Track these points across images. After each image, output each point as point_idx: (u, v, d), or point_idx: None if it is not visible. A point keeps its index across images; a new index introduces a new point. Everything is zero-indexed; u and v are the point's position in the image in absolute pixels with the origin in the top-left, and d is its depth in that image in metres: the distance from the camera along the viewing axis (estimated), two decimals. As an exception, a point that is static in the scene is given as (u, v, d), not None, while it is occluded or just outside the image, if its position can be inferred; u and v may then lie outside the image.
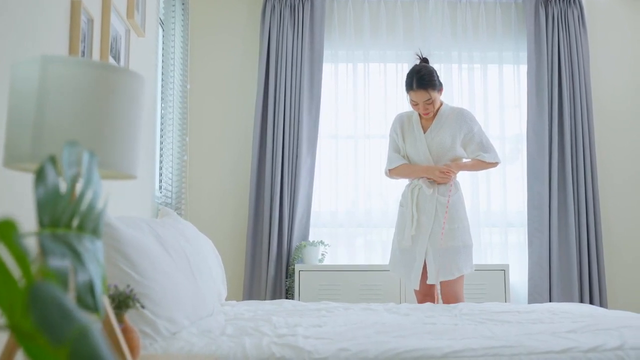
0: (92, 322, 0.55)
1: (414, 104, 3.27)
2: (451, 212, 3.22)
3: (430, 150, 3.29)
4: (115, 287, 1.49)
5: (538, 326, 2.24)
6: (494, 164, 3.34)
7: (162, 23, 3.90)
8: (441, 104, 3.35)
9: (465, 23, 4.50)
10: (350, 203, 4.41)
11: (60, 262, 0.72)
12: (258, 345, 1.85)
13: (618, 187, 4.47)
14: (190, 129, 4.33)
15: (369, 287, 4.02)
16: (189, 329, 2.02)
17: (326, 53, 4.41)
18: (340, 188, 4.40)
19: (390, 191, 4.30)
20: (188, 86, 4.30)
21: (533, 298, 4.20)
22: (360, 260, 4.36)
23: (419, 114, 3.34)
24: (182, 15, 4.23)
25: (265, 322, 2.28)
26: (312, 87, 4.33)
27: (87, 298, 0.77)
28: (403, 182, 3.46)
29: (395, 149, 3.39)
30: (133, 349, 1.43)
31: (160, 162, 3.82)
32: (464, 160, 3.36)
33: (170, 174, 3.92)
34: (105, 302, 1.18)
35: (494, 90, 4.51)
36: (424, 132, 3.32)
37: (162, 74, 3.86)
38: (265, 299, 4.05)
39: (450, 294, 3.20)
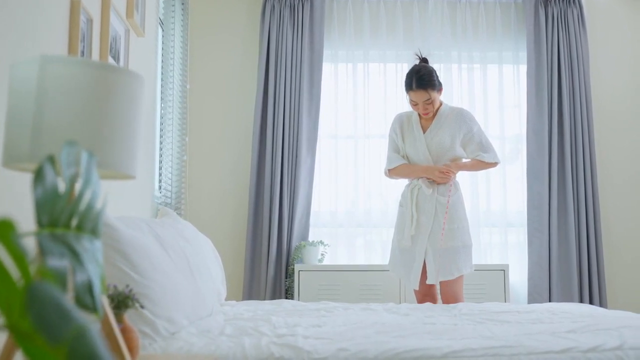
0: (90, 322, 0.55)
1: (414, 104, 3.27)
2: (451, 212, 3.22)
3: (430, 150, 3.29)
4: (115, 287, 1.49)
5: (538, 326, 2.24)
6: (494, 164, 3.35)
7: (161, 23, 3.90)
8: (441, 104, 3.35)
9: (465, 23, 4.50)
10: (350, 203, 4.41)
11: (58, 262, 0.72)
12: (257, 345, 1.85)
13: (618, 187, 4.47)
14: (189, 129, 4.33)
15: (369, 287, 4.02)
16: (188, 329, 2.02)
17: (326, 53, 4.41)
18: (340, 188, 4.40)
19: (390, 191, 4.30)
20: (188, 86, 4.30)
21: (533, 298, 4.20)
22: (360, 260, 4.35)
23: (419, 114, 3.34)
24: (182, 15, 4.23)
25: (265, 322, 2.28)
26: (312, 87, 4.33)
27: (85, 298, 0.77)
28: (403, 182, 3.46)
29: (394, 149, 3.39)
30: (132, 349, 1.43)
31: (160, 162, 3.82)
32: (464, 160, 3.36)
33: (170, 174, 3.92)
34: (105, 302, 1.18)
35: (494, 90, 4.51)
36: (424, 132, 3.32)
37: (162, 73, 3.86)
38: (264, 299, 4.05)
39: (450, 294, 3.20)
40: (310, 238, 4.28)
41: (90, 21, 2.35)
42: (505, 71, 4.54)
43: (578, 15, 4.45)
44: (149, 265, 1.91)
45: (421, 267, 3.22)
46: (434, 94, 3.24)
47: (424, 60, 3.37)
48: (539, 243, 4.25)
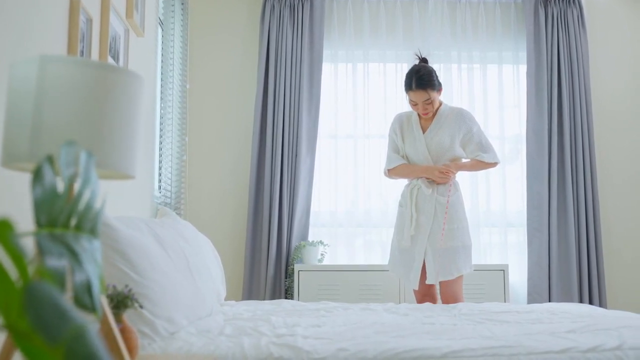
0: (88, 322, 0.55)
1: (413, 104, 3.27)
2: (450, 212, 3.23)
3: (430, 150, 3.29)
4: (114, 287, 1.49)
5: (537, 326, 2.24)
6: (493, 164, 3.35)
7: (161, 23, 3.90)
8: (440, 104, 3.35)
9: (464, 23, 4.50)
10: (350, 203, 4.41)
11: (57, 262, 0.72)
12: (257, 345, 1.85)
13: (617, 187, 4.47)
14: (189, 129, 4.33)
15: (368, 287, 4.02)
16: (188, 329, 2.02)
17: (326, 53, 4.41)
18: (340, 188, 4.40)
19: (389, 191, 4.30)
20: (187, 86, 4.30)
21: (532, 298, 4.20)
22: (360, 260, 4.35)
23: (418, 114, 3.34)
24: (182, 15, 4.23)
25: (264, 322, 2.28)
26: (312, 87, 4.33)
27: (84, 298, 0.77)
28: (402, 182, 3.46)
29: (394, 149, 3.39)
30: (131, 349, 1.43)
31: (160, 162, 3.82)
32: (463, 160, 3.36)
33: (170, 174, 3.92)
34: (104, 302, 1.18)
35: (494, 90, 4.51)
36: (423, 132, 3.32)
37: (162, 73, 3.86)
38: (264, 299, 4.05)
39: (450, 294, 3.20)
40: (310, 238, 4.28)
41: (89, 21, 2.35)
42: (505, 71, 4.54)
43: (578, 15, 4.45)
44: (148, 265, 1.91)
45: (421, 267, 3.23)
46: (433, 94, 3.24)
47: (423, 60, 3.37)
48: (538, 243, 4.25)
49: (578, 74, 4.38)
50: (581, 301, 4.17)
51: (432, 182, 3.27)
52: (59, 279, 0.68)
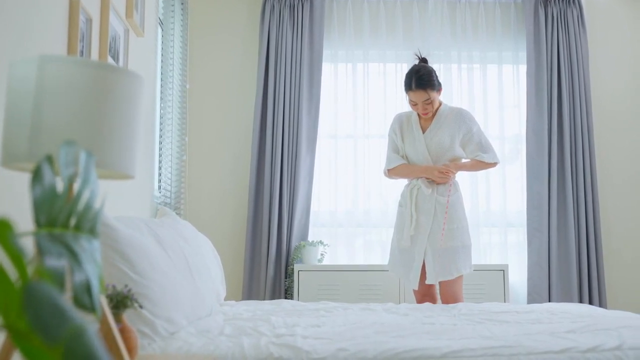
0: (87, 322, 0.55)
1: (413, 104, 3.27)
2: (450, 212, 3.23)
3: (429, 150, 3.29)
4: (113, 287, 1.49)
5: (537, 326, 2.24)
6: (493, 164, 3.35)
7: (161, 23, 3.90)
8: (440, 104, 3.35)
9: (464, 23, 4.50)
10: (350, 203, 4.41)
11: (56, 262, 0.72)
12: (256, 345, 1.85)
13: (617, 187, 4.47)
14: (189, 129, 4.33)
15: (368, 287, 4.02)
16: (188, 329, 2.02)
17: (326, 53, 4.41)
18: (340, 188, 4.40)
19: (389, 191, 4.30)
20: (187, 86, 4.30)
21: (532, 298, 4.19)
22: (360, 260, 4.35)
23: (418, 114, 3.34)
24: (182, 15, 4.23)
25: (264, 322, 2.28)
26: (312, 87, 4.33)
27: (83, 298, 0.77)
28: (402, 182, 3.46)
29: (394, 149, 3.39)
30: (131, 349, 1.43)
31: (160, 162, 3.82)
32: (463, 160, 3.36)
33: (170, 174, 3.92)
34: (103, 302, 1.18)
35: (494, 90, 4.51)
36: (423, 132, 3.32)
37: (162, 73, 3.86)
38: (264, 299, 4.05)
39: (449, 294, 3.20)
40: (310, 238, 4.28)
41: (89, 21, 2.35)
42: (505, 71, 4.54)
43: (578, 15, 4.44)
44: (148, 265, 1.91)
45: (420, 267, 3.23)
46: (433, 94, 3.24)
47: (423, 60, 3.37)
48: (538, 243, 4.25)
49: (578, 74, 4.38)
50: (581, 301, 4.17)
51: (431, 182, 3.27)
52: (58, 279, 0.68)
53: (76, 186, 0.88)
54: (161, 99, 3.84)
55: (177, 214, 3.86)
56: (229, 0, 4.51)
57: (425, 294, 3.28)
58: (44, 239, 0.75)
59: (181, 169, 4.12)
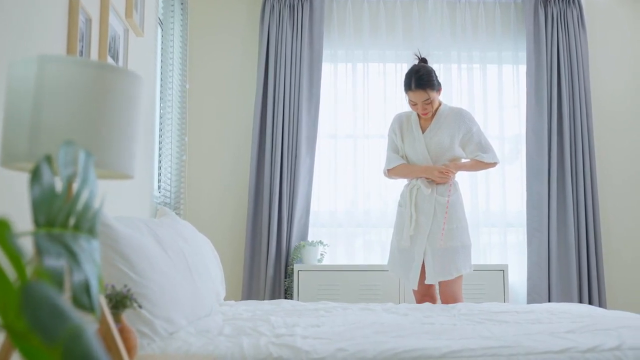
0: (85, 322, 0.55)
1: (413, 104, 3.27)
2: (450, 212, 3.23)
3: (429, 150, 3.29)
4: (113, 287, 1.49)
5: (537, 326, 2.24)
6: (493, 164, 3.35)
7: (161, 23, 3.89)
8: (440, 104, 3.35)
9: (464, 23, 4.50)
10: (349, 203, 4.41)
11: (55, 262, 0.72)
12: (256, 345, 1.85)
13: (617, 187, 4.47)
14: (189, 129, 4.33)
15: (368, 287, 4.02)
16: (187, 328, 2.02)
17: (325, 53, 4.41)
18: (339, 188, 4.40)
19: (389, 191, 4.30)
20: (187, 86, 4.30)
21: (532, 298, 4.19)
22: (359, 260, 4.35)
23: (418, 114, 3.34)
24: (181, 15, 4.23)
25: (264, 322, 2.28)
26: (312, 86, 4.33)
27: (82, 298, 0.77)
28: (402, 182, 3.46)
29: (393, 149, 3.39)
30: (130, 349, 1.43)
31: (159, 162, 3.81)
32: (463, 160, 3.36)
33: (169, 174, 3.92)
34: (102, 302, 1.18)
35: (493, 90, 4.51)
36: (423, 132, 3.32)
37: (161, 73, 3.86)
38: (264, 299, 4.05)
39: (449, 294, 3.20)
40: (310, 238, 4.28)
41: (89, 21, 2.35)
42: (505, 71, 4.54)
43: (578, 15, 4.45)
44: (147, 265, 1.91)
45: (420, 267, 3.23)
46: (433, 94, 3.24)
47: (423, 60, 3.37)
48: (538, 243, 4.25)
49: (578, 74, 4.38)
50: (581, 301, 4.17)
51: (431, 182, 3.27)
52: (57, 279, 0.68)
53: (75, 186, 0.88)
54: (161, 99, 3.84)
55: (176, 214, 3.86)
56: (229, 0, 4.51)
57: (424, 294, 3.28)
58: (43, 239, 0.75)
59: (181, 169, 4.12)
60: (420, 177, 3.27)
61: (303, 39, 4.32)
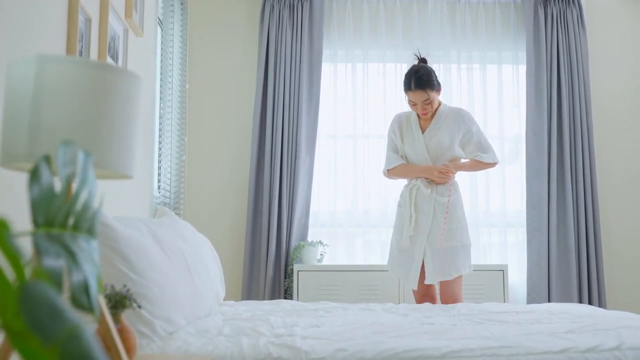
0: (83, 322, 0.55)
1: (412, 104, 3.27)
2: (450, 212, 3.23)
3: (429, 151, 3.29)
4: (112, 287, 1.49)
5: (536, 326, 2.24)
6: (493, 164, 3.35)
7: (160, 23, 3.89)
8: (439, 104, 3.35)
9: (464, 23, 4.50)
10: (349, 203, 4.41)
11: (54, 262, 0.72)
12: (255, 345, 1.85)
13: (617, 187, 4.47)
14: (189, 129, 4.33)
15: (368, 287, 4.02)
16: (186, 329, 2.02)
17: (325, 53, 4.41)
18: (339, 188, 4.40)
19: (389, 191, 4.30)
20: (187, 86, 4.30)
21: (532, 298, 4.19)
22: (359, 260, 4.35)
23: (418, 114, 3.34)
24: (181, 15, 4.23)
25: (263, 322, 2.28)
26: (311, 86, 4.33)
27: (81, 298, 0.77)
28: (402, 182, 3.46)
29: (393, 149, 3.39)
30: (129, 349, 1.43)
31: (159, 162, 3.81)
32: (463, 160, 3.36)
33: (169, 174, 3.92)
34: (101, 302, 1.18)
35: (493, 91, 4.51)
36: (423, 132, 3.32)
37: (161, 73, 3.86)
38: (264, 299, 4.05)
39: (449, 294, 3.20)
40: (309, 238, 4.28)
41: (88, 21, 2.35)
42: (505, 71, 4.54)
43: (577, 15, 4.45)
44: (147, 265, 1.91)
45: (420, 267, 3.23)
46: (432, 94, 3.24)
47: (422, 61, 3.38)
48: (538, 243, 4.25)
49: (578, 74, 4.38)
50: (580, 301, 4.17)
51: (431, 182, 3.27)
52: (56, 279, 0.68)
53: (74, 186, 0.88)
54: (161, 99, 3.84)
55: (176, 214, 3.86)
56: (229, 0, 4.51)
57: (424, 294, 3.28)
58: (42, 239, 0.75)
59: (180, 169, 4.11)
60: (420, 177, 3.27)
61: (303, 39, 4.32)
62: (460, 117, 3.32)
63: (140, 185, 3.20)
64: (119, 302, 1.45)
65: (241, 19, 4.50)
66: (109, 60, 2.60)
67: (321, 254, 4.18)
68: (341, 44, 4.48)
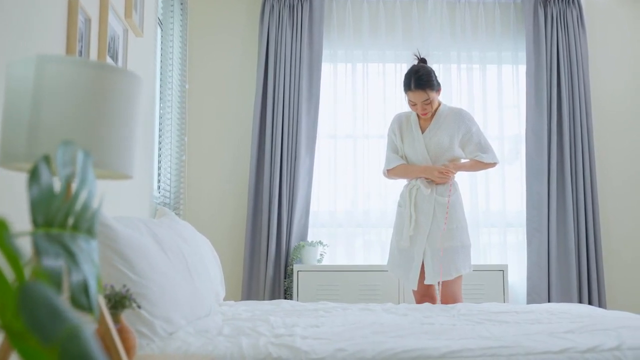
0: (82, 322, 0.55)
1: (412, 104, 3.27)
2: (450, 212, 3.23)
3: (429, 151, 3.29)
4: (112, 287, 1.49)
5: (536, 326, 2.24)
6: (492, 165, 3.35)
7: (160, 23, 3.89)
8: (439, 104, 3.35)
9: (464, 23, 4.50)
10: (349, 203, 4.41)
11: (54, 262, 0.72)
12: (255, 346, 1.85)
13: (617, 187, 4.47)
14: (188, 129, 4.33)
15: (368, 288, 4.02)
16: (186, 329, 2.02)
17: (325, 53, 4.41)
18: (339, 188, 4.40)
19: (389, 191, 4.30)
20: (187, 86, 4.30)
21: (532, 298, 4.19)
22: (359, 260, 4.35)
23: (417, 114, 3.34)
24: (181, 15, 4.22)
25: (263, 322, 2.28)
26: (311, 87, 4.33)
27: (81, 298, 0.77)
28: (402, 182, 3.46)
29: (393, 149, 3.39)
30: (129, 349, 1.43)
31: (159, 162, 3.81)
32: (462, 160, 3.36)
33: (169, 174, 3.91)
34: (101, 302, 1.18)
35: (493, 91, 4.51)
36: (422, 133, 3.32)
37: (161, 74, 3.86)
38: (263, 299, 4.05)
39: (449, 294, 3.20)
40: (309, 238, 4.28)
41: (88, 21, 2.35)
42: (505, 71, 4.54)
43: (577, 15, 4.45)
44: (146, 265, 1.91)
45: (420, 267, 3.23)
46: (432, 94, 3.24)
47: (422, 61, 3.38)
48: (538, 243, 4.25)
49: (577, 74, 4.38)
50: (580, 301, 4.17)
51: (431, 182, 3.27)
52: (56, 279, 0.68)
53: (74, 186, 0.88)
54: (160, 99, 3.84)
55: (176, 214, 3.86)
56: (229, 0, 4.51)
57: (424, 294, 3.27)
58: (41, 239, 0.75)
59: (180, 169, 4.11)
60: (420, 177, 3.27)
61: (303, 39, 4.32)
62: (460, 117, 3.32)
63: (140, 186, 3.20)
64: (118, 302, 1.45)
65: (241, 19, 4.50)
66: (109, 60, 2.60)
67: (321, 254, 4.18)
68: (341, 44, 4.48)
